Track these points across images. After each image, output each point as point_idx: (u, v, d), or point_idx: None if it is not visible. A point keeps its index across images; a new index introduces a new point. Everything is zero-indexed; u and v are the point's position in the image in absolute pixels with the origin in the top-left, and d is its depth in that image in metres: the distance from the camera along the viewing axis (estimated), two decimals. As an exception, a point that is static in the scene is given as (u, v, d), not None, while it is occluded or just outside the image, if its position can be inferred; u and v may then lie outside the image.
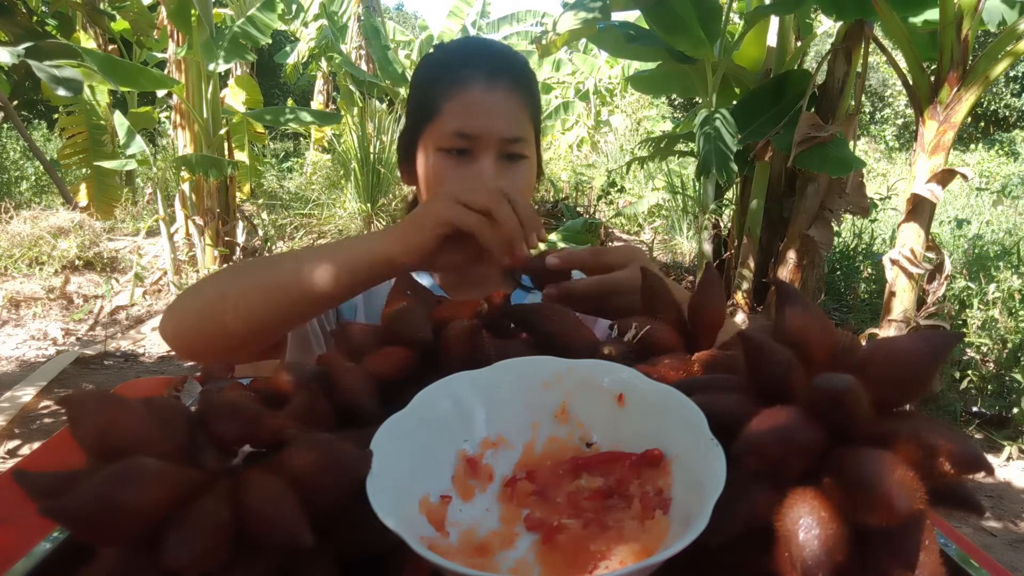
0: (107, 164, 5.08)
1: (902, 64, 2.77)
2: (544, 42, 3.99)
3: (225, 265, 4.77)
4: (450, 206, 0.62)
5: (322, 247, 0.68)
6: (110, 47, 6.33)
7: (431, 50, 0.90)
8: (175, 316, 0.71)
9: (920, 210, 2.73)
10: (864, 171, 3.65)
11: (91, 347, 3.66)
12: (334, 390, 0.40)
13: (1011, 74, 12.75)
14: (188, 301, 0.71)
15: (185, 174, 4.59)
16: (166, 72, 4.76)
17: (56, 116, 6.33)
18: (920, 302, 2.85)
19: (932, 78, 2.65)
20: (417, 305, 0.48)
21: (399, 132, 0.91)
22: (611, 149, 9.11)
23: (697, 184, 4.46)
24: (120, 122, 4.82)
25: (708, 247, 4.57)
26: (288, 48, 9.17)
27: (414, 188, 0.88)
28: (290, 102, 9.06)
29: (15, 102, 6.71)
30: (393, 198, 6.49)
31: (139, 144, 4.68)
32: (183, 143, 4.82)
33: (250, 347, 0.70)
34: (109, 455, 0.30)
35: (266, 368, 0.79)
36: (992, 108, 13.59)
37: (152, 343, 3.81)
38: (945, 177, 2.66)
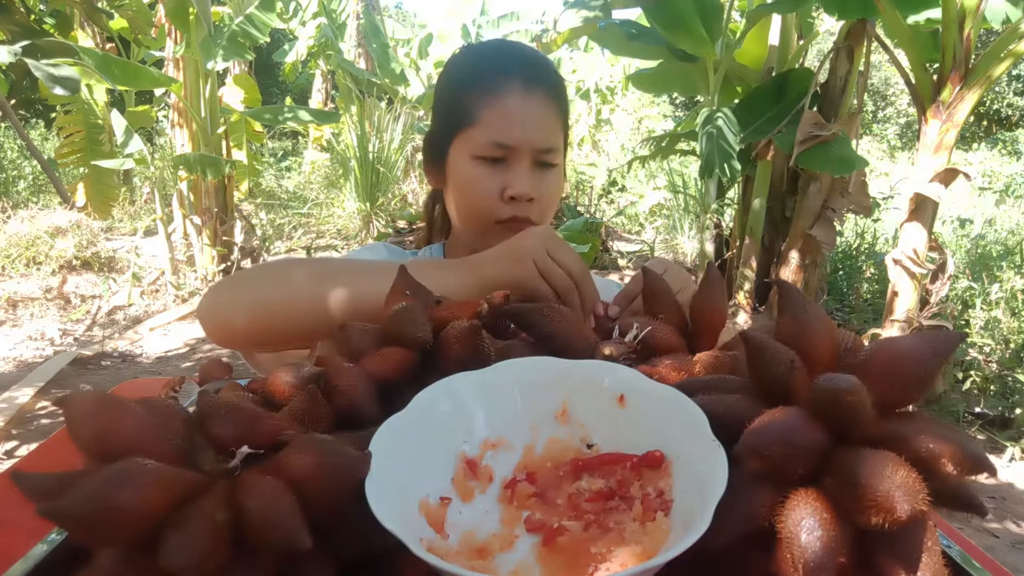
0: (105, 163, 5.06)
1: (904, 63, 2.77)
2: (545, 40, 3.99)
3: (280, 258, 4.76)
4: (533, 276, 0.64)
5: (385, 265, 0.65)
6: (108, 45, 6.31)
7: (457, 52, 0.90)
8: (220, 313, 0.68)
9: (923, 210, 2.73)
10: (866, 170, 3.64)
11: (88, 347, 3.66)
12: (333, 391, 0.40)
13: (1014, 73, 12.74)
14: (236, 296, 0.68)
15: (183, 173, 4.58)
16: (164, 71, 4.75)
17: (54, 115, 6.33)
18: (923, 302, 2.85)
19: (934, 77, 2.65)
20: (417, 305, 0.48)
21: (426, 132, 0.90)
22: (612, 148, 9.11)
23: (699, 183, 4.46)
24: (118, 121, 4.81)
25: (710, 247, 4.57)
26: (287, 46, 9.15)
27: (427, 186, 0.88)
28: (288, 101, 9.07)
29: (12, 101, 6.70)
30: (392, 197, 6.49)
31: (137, 143, 4.66)
32: (181, 142, 4.81)
33: (297, 346, 0.69)
34: (106, 456, 0.30)
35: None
36: (995, 107, 13.58)
37: (149, 343, 3.80)
38: (948, 176, 2.66)
